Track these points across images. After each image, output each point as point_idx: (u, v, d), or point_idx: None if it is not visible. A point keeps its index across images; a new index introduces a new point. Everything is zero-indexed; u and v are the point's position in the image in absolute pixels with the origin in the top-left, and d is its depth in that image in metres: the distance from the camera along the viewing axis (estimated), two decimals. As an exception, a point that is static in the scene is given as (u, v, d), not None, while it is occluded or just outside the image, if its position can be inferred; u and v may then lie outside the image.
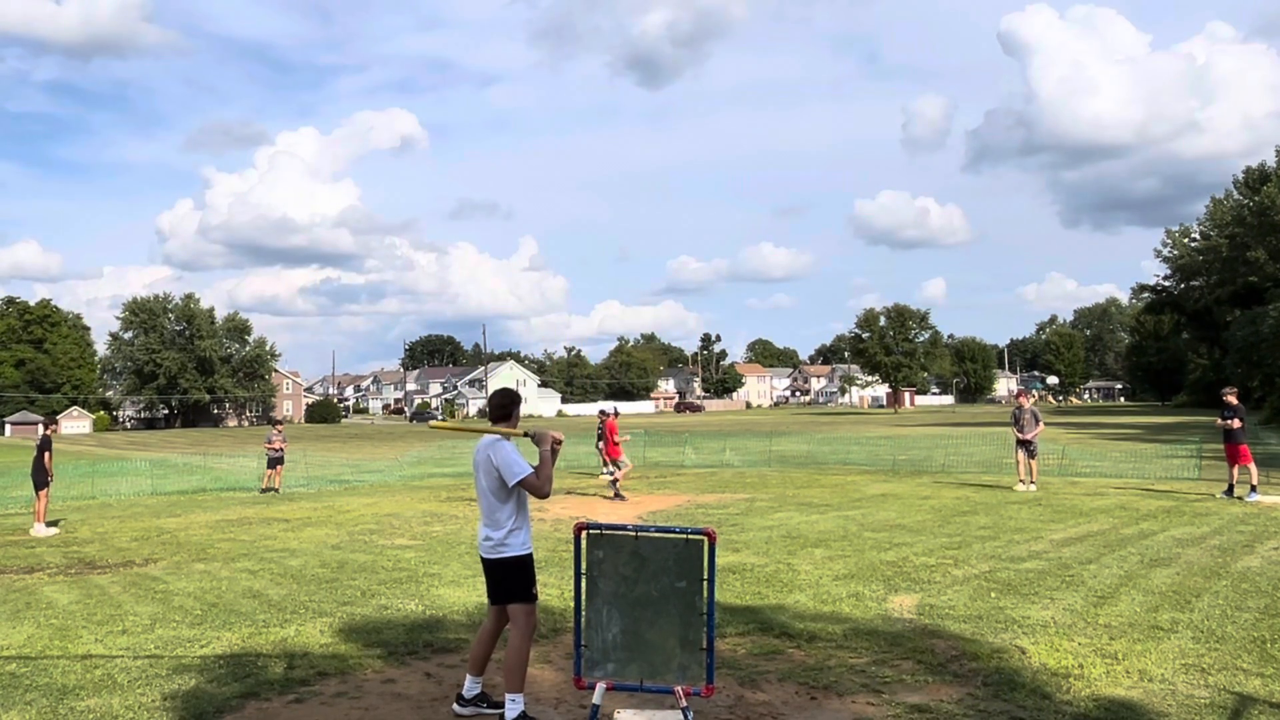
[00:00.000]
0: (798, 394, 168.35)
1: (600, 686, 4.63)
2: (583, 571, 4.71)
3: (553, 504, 16.48)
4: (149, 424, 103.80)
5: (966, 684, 5.60)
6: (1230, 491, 14.87)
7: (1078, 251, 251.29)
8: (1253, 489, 14.64)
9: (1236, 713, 5.05)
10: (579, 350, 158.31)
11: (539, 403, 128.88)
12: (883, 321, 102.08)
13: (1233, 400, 15.30)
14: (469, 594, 8.42)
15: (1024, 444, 16.77)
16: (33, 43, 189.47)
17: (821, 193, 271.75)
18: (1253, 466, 14.83)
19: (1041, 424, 16.99)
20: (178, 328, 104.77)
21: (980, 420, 56.14)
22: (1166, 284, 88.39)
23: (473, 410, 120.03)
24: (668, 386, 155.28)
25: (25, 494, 21.80)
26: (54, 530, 14.33)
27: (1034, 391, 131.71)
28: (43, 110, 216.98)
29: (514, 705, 4.94)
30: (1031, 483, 16.53)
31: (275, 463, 21.22)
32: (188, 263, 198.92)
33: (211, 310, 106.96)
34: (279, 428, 22.29)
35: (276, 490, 20.73)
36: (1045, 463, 21.54)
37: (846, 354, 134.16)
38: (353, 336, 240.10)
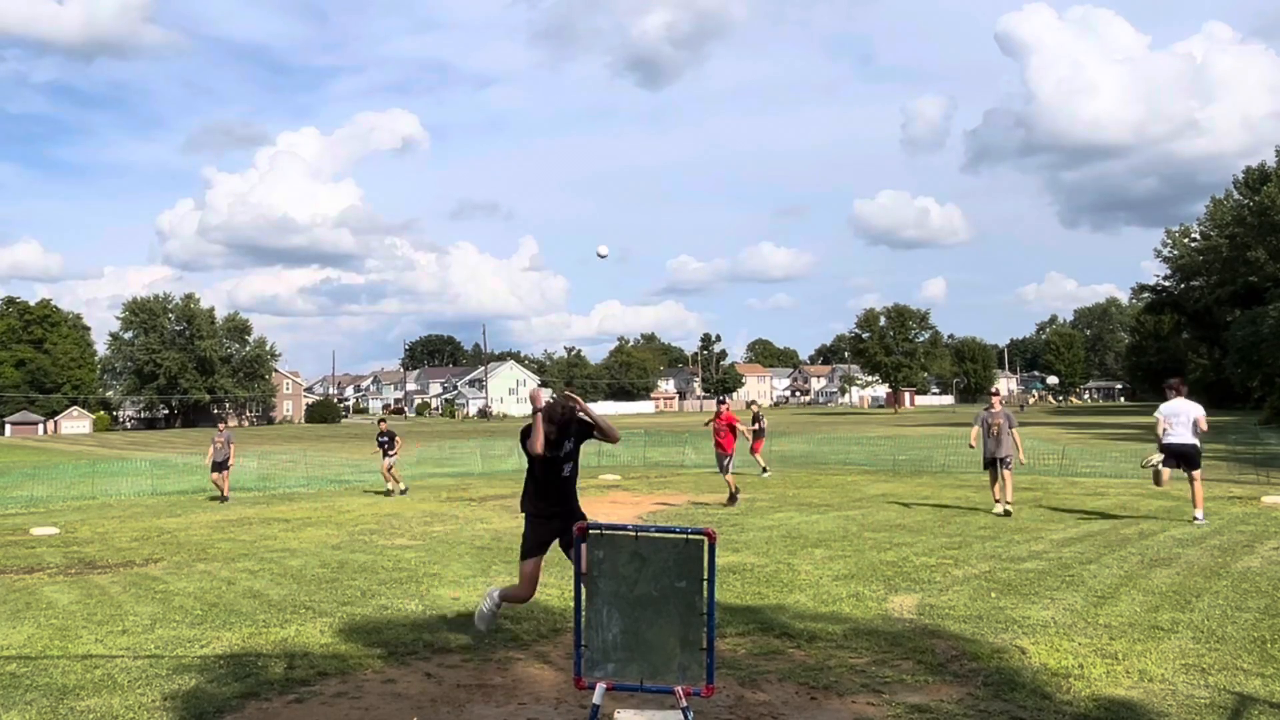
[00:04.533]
0: (798, 394, 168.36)
1: (600, 686, 4.63)
2: (583, 571, 4.71)
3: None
4: (149, 424, 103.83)
5: (966, 684, 5.60)
6: None
7: (1077, 251, 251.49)
8: None
9: (1236, 713, 5.04)
10: (579, 350, 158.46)
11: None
12: (883, 321, 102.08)
13: None
14: (469, 594, 8.42)
15: (995, 458, 13.44)
16: (33, 43, 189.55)
17: (821, 193, 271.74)
18: None
19: (1016, 433, 13.72)
20: (178, 328, 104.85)
21: (980, 420, 56.05)
22: (1166, 284, 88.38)
23: (472, 410, 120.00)
24: (668, 386, 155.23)
25: (25, 494, 21.83)
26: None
27: (1034, 392, 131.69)
28: (43, 111, 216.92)
29: None
30: (1007, 502, 13.30)
31: (219, 467, 18.91)
32: (188, 263, 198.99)
33: (211, 310, 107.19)
34: (221, 427, 19.90)
35: (225, 498, 18.60)
36: (1045, 463, 21.53)
37: (846, 354, 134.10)
38: (353, 336, 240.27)
